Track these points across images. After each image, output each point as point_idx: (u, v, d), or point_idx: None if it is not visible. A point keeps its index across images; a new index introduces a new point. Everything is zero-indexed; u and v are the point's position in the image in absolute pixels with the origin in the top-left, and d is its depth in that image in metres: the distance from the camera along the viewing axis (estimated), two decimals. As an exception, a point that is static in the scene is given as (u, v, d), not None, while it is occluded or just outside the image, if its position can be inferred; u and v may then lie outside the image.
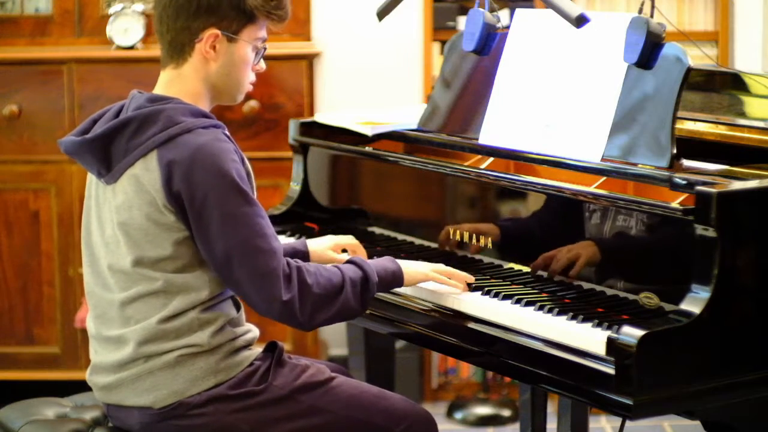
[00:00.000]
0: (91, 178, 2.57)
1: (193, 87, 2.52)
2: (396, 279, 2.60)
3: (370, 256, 2.80)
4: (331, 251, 2.83)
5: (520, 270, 2.70)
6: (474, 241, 2.80)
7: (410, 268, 2.63)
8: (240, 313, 2.56)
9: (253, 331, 2.58)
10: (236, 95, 2.58)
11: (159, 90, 2.53)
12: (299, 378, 2.55)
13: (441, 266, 2.67)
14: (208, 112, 2.50)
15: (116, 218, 2.47)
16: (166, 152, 2.41)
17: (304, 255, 2.79)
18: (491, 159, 2.89)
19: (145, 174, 2.42)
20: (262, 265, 2.41)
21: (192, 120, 2.45)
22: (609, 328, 2.36)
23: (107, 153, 2.47)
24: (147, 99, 2.49)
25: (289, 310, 2.43)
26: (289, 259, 2.47)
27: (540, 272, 2.65)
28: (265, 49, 2.58)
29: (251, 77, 2.58)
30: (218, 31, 2.49)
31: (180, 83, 2.52)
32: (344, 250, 2.86)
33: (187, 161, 2.39)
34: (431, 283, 2.67)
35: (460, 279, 2.66)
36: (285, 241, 2.92)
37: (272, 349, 2.58)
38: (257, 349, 2.56)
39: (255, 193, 2.48)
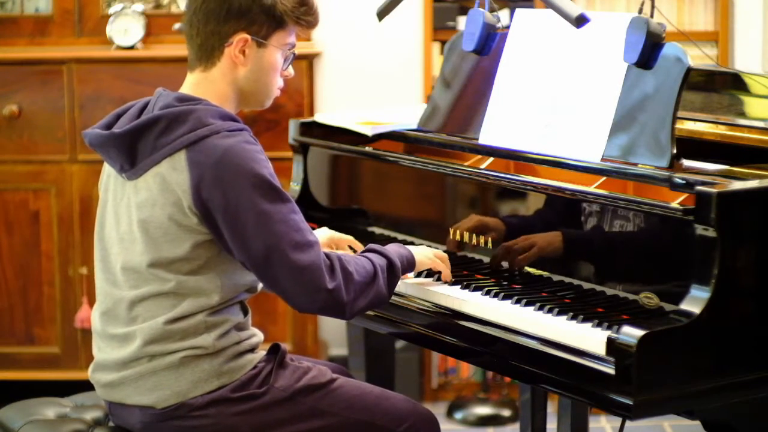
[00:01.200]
0: (109, 173, 2.57)
1: (221, 90, 2.52)
2: (410, 264, 2.65)
3: None
4: (325, 247, 2.85)
5: (521, 270, 2.70)
6: (474, 241, 2.80)
7: (418, 253, 2.69)
8: (247, 317, 2.57)
9: (258, 335, 2.58)
10: (264, 101, 2.59)
11: (186, 91, 2.53)
12: (301, 380, 2.55)
13: (439, 252, 2.74)
14: (235, 116, 2.50)
15: (137, 215, 2.46)
16: (195, 154, 2.41)
17: None
18: (491, 159, 2.89)
19: (171, 173, 2.42)
20: (302, 258, 2.41)
21: (221, 123, 2.44)
22: (609, 328, 2.36)
23: (133, 149, 2.47)
24: (176, 98, 2.48)
25: (334, 299, 2.43)
26: (326, 250, 2.49)
27: (503, 263, 2.71)
28: (294, 55, 2.58)
29: (280, 83, 2.58)
30: (248, 36, 2.49)
31: (207, 86, 2.52)
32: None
33: (217, 165, 2.39)
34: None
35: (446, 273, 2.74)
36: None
37: (275, 351, 2.58)
38: (261, 353, 2.56)
39: None
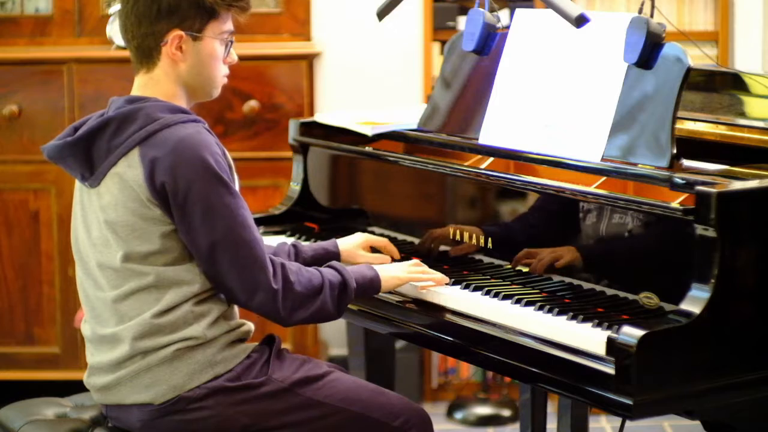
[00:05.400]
0: (78, 184, 2.59)
1: (168, 88, 2.54)
2: (373, 285, 2.64)
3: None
4: (362, 251, 2.86)
5: (520, 270, 2.70)
6: (474, 240, 2.80)
7: (387, 273, 2.67)
8: (232, 305, 2.57)
9: (248, 325, 2.59)
10: (211, 91, 2.60)
11: (135, 93, 2.55)
12: (298, 371, 2.56)
13: (415, 265, 2.71)
14: (186, 108, 2.53)
15: (102, 217, 2.48)
16: (148, 149, 2.44)
17: (336, 255, 2.82)
18: (491, 159, 2.89)
19: (128, 171, 2.45)
20: (247, 254, 2.44)
21: (171, 116, 2.47)
22: (609, 328, 2.36)
23: (89, 155, 2.49)
24: (125, 101, 2.52)
25: (271, 301, 2.46)
26: (272, 256, 2.51)
27: (521, 267, 2.68)
28: (232, 41, 2.59)
29: (224, 70, 2.60)
30: (182, 32, 2.50)
31: (154, 86, 2.54)
32: (375, 249, 2.89)
33: (170, 155, 2.42)
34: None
35: (437, 278, 2.70)
36: (284, 240, 2.92)
37: (270, 342, 2.59)
38: (254, 343, 2.57)
39: (237, 185, 2.50)
